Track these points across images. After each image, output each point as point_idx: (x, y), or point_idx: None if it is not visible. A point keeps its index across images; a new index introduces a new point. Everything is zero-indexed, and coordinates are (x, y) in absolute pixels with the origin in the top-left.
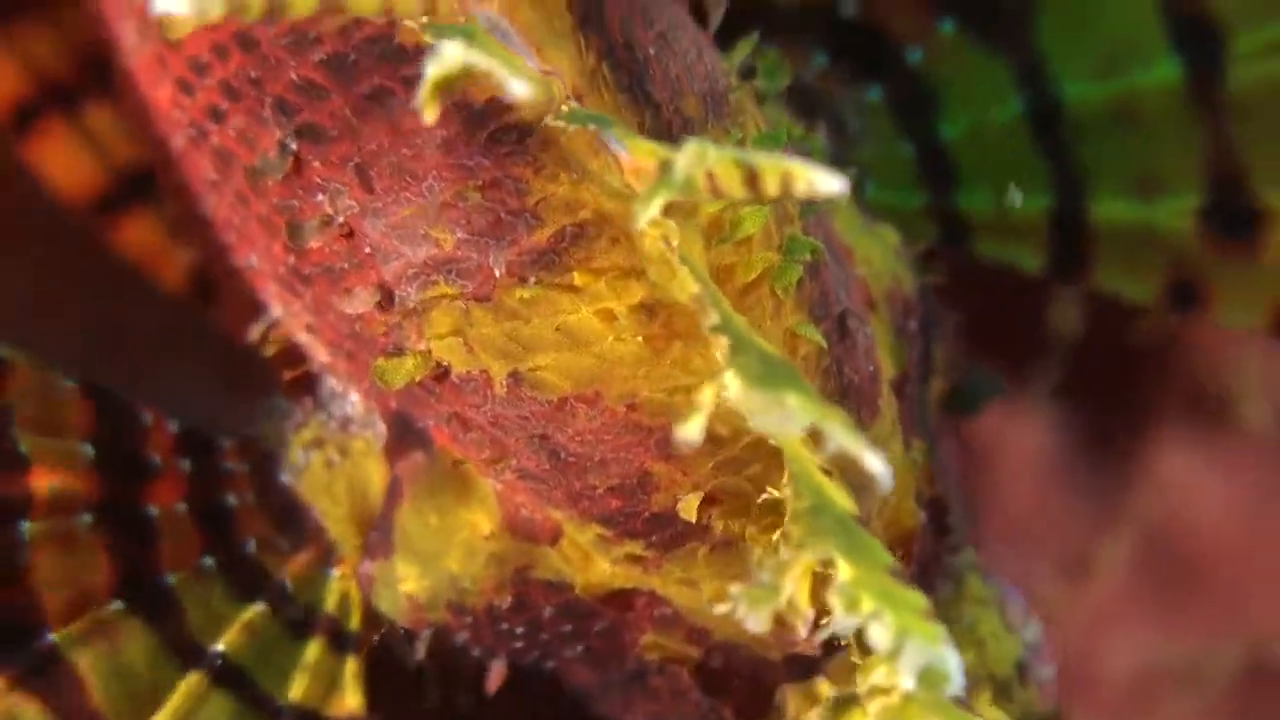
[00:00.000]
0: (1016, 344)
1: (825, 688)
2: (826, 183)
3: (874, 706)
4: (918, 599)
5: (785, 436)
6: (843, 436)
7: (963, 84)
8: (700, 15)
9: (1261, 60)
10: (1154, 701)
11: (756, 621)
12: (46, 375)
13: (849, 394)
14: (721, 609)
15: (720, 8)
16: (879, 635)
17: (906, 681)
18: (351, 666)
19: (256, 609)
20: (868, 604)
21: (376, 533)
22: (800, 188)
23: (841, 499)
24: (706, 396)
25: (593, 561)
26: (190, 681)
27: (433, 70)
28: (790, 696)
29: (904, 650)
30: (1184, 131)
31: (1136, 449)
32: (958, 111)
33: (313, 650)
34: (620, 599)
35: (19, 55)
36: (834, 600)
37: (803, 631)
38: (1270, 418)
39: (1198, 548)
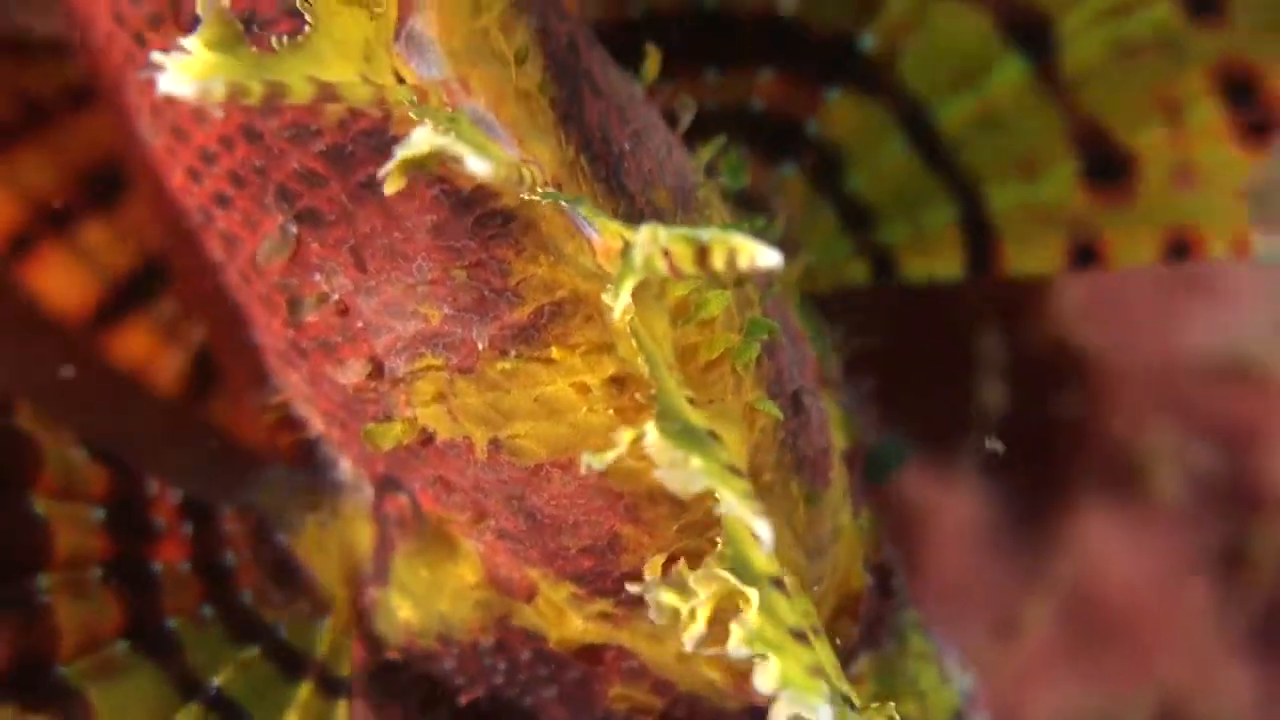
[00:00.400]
0: (949, 422)
1: None
2: (765, 255)
3: None
4: (810, 656)
5: (685, 492)
6: (736, 503)
7: (857, 138)
8: (671, 118)
9: (1089, 31)
10: None
11: (656, 615)
12: (64, 445)
13: (803, 465)
14: (633, 588)
15: (689, 112)
16: (762, 678)
17: None
18: (342, 711)
19: (251, 652)
20: (759, 646)
21: (375, 565)
22: (743, 260)
23: (763, 561)
24: (624, 439)
25: (566, 617)
26: (190, 711)
27: (403, 152)
28: None
29: (781, 697)
30: (1043, 114)
31: (1058, 517)
32: (859, 163)
33: (304, 691)
34: (591, 652)
35: (16, 185)
36: (733, 628)
37: (688, 644)
38: (1180, 488)
39: (1114, 608)
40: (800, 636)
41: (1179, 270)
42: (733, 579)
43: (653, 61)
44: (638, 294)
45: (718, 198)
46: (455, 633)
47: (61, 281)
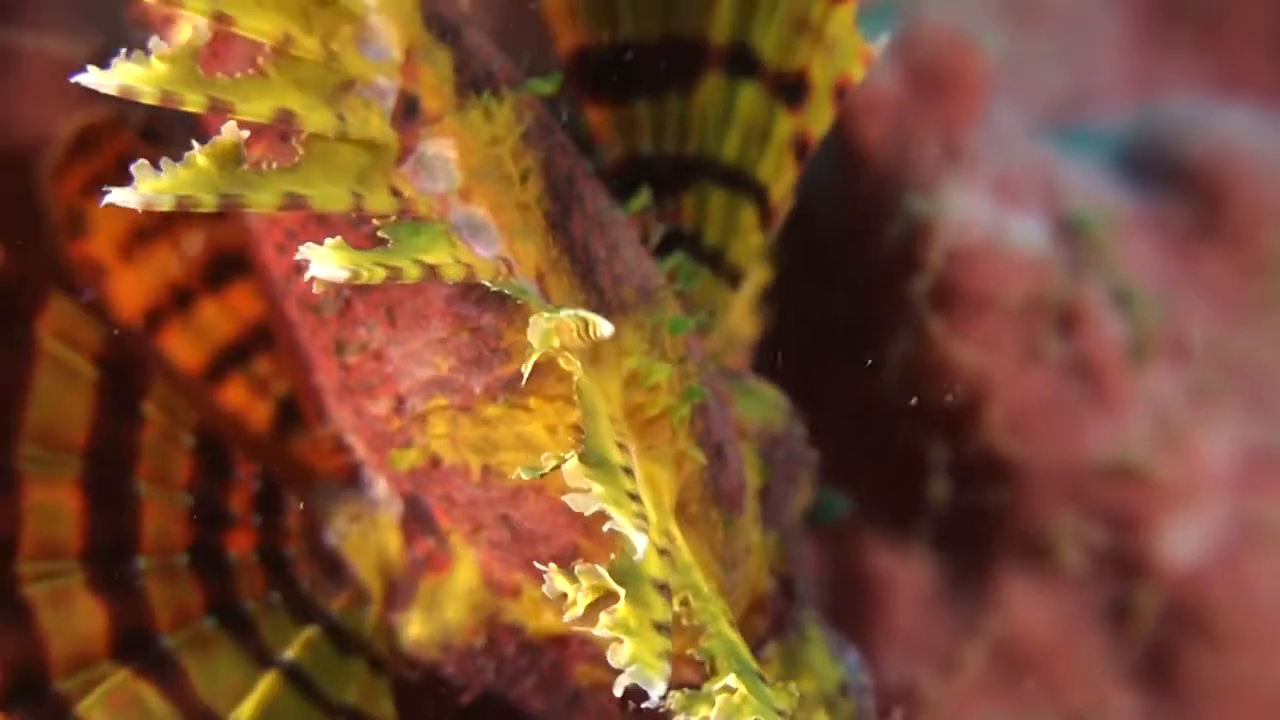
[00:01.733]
0: (904, 510)
1: None
2: (604, 327)
3: None
4: (662, 643)
5: (583, 510)
6: (622, 521)
7: (702, 213)
8: (644, 234)
9: (768, 28)
10: None
11: (549, 593)
12: (174, 428)
13: (722, 498)
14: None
15: (658, 233)
16: (616, 656)
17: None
18: (388, 687)
19: (313, 630)
20: (618, 630)
21: (402, 589)
22: (593, 330)
23: (632, 561)
24: (549, 462)
25: (542, 611)
26: (269, 679)
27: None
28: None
29: (627, 671)
30: (768, 101)
31: (988, 583)
32: (707, 226)
33: (357, 666)
34: (561, 640)
35: (157, 273)
36: (602, 616)
37: (566, 619)
38: (1080, 559)
39: (1031, 651)
40: (663, 629)
41: (1081, 392)
42: (607, 577)
43: (642, 198)
44: (599, 363)
45: (673, 298)
46: (454, 638)
47: (181, 347)
